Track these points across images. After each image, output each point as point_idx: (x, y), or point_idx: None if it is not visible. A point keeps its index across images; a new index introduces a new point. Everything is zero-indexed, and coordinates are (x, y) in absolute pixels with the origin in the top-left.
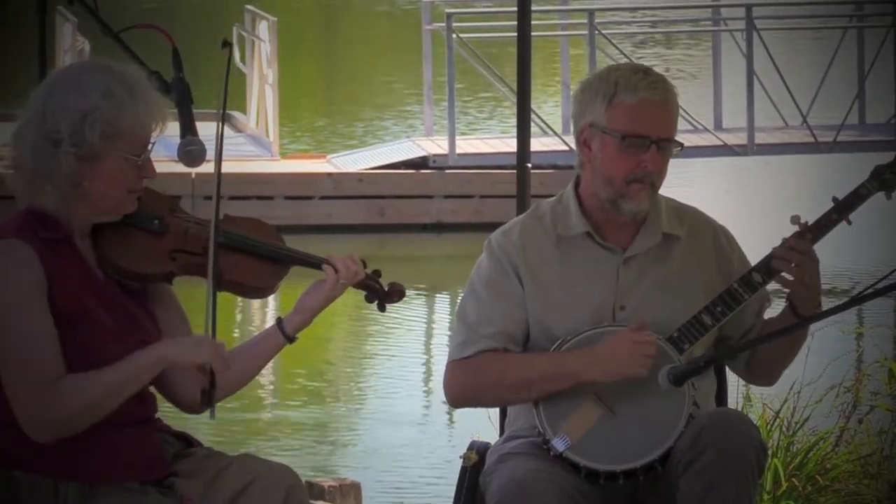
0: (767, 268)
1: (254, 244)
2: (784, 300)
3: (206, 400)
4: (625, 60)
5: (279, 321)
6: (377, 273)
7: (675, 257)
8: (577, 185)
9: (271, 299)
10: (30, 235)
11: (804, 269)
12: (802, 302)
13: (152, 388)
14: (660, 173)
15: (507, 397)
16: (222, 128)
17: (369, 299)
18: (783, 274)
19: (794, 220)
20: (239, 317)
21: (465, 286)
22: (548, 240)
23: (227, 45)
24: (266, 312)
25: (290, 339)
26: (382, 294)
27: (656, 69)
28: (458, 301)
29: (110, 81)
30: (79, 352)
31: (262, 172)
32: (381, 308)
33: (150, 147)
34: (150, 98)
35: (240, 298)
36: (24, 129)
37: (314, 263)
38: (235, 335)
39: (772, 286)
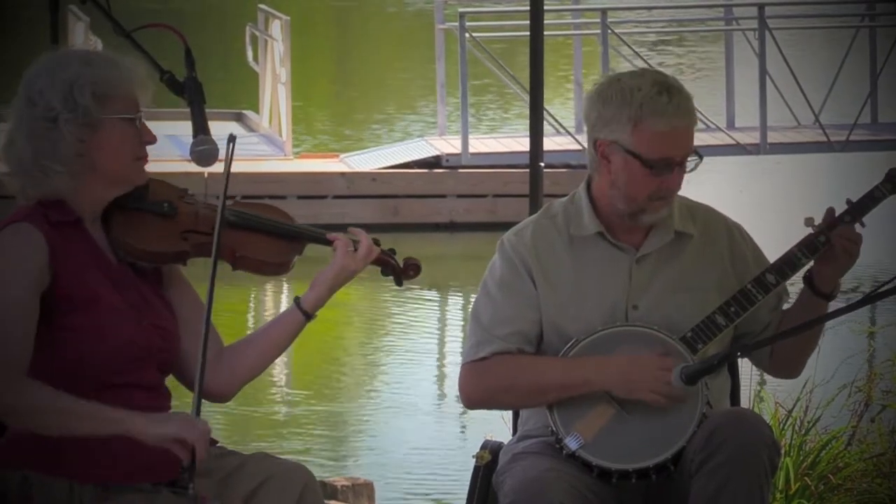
0: (788, 263)
1: (266, 222)
2: (799, 289)
3: (186, 474)
4: (637, 60)
5: (297, 300)
6: (392, 251)
7: (687, 255)
8: (588, 185)
9: (285, 292)
10: (40, 219)
11: (850, 255)
12: (826, 280)
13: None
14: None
15: (521, 401)
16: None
17: (385, 273)
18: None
19: (808, 221)
20: (252, 306)
21: (479, 287)
22: (560, 240)
23: None
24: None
25: (309, 316)
26: (398, 269)
27: (669, 69)
28: (472, 301)
29: (85, 53)
30: (91, 334)
31: (275, 172)
32: (398, 283)
33: (140, 113)
34: (127, 61)
35: (253, 293)
36: (16, 130)
37: (326, 241)
38: (250, 325)
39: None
